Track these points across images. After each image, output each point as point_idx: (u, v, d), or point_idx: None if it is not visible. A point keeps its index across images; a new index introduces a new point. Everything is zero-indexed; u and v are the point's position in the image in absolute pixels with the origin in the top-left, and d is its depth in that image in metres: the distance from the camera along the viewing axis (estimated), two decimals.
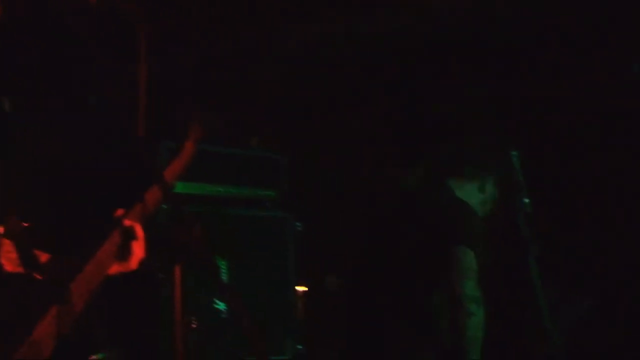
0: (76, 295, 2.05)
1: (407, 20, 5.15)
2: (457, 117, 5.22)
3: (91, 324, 4.03)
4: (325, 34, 5.20)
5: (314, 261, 5.35)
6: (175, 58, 4.92)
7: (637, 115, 5.05)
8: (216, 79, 5.34)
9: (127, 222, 2.29)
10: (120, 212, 2.33)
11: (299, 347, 4.98)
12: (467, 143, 4.55)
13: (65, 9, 2.23)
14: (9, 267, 2.16)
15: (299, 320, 5.07)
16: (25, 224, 2.15)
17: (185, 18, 4.76)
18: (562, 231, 5.09)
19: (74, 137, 3.43)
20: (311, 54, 5.41)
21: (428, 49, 5.21)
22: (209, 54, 5.18)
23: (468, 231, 3.99)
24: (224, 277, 4.77)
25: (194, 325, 4.37)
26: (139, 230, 2.32)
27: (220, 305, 4.39)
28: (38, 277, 2.14)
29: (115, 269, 2.30)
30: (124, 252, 2.29)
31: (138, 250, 2.32)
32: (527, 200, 4.05)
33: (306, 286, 5.18)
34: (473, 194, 4.22)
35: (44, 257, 2.27)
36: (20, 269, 2.15)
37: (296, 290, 5.12)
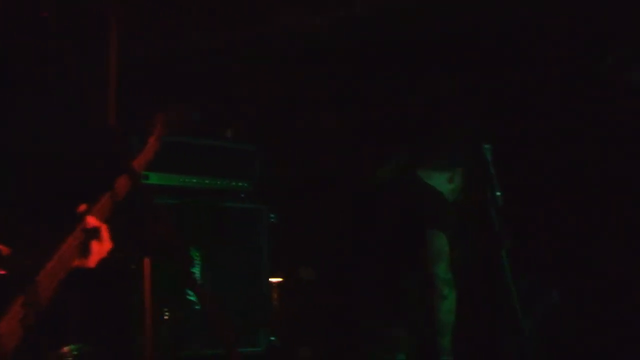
0: (41, 289, 2.04)
1: (380, 16, 5.15)
2: (430, 111, 5.23)
3: (63, 317, 4.02)
4: (301, 26, 5.19)
5: (288, 252, 5.35)
6: (146, 50, 4.89)
7: (608, 108, 5.08)
8: (190, 71, 5.33)
9: (92, 221, 2.29)
10: (83, 207, 2.32)
11: (273, 338, 4.98)
12: (439, 136, 4.59)
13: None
14: None
15: (273, 312, 5.08)
16: None
17: (157, 11, 4.74)
18: (532, 223, 5.12)
19: (42, 127, 3.41)
20: (287, 47, 5.40)
21: (400, 44, 5.22)
22: (182, 47, 5.16)
23: (439, 215, 4.04)
24: (198, 268, 4.78)
25: (166, 317, 4.38)
26: (104, 231, 2.32)
27: (193, 297, 4.39)
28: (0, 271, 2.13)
29: (75, 263, 2.29)
30: (85, 250, 2.29)
31: (99, 250, 2.32)
32: (498, 194, 4.08)
33: (280, 277, 5.19)
34: (442, 184, 4.27)
35: (4, 250, 2.25)
36: None
37: (270, 282, 5.12)
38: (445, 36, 5.16)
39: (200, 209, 4.86)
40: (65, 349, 3.71)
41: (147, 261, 2.47)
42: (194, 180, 4.92)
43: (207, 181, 4.97)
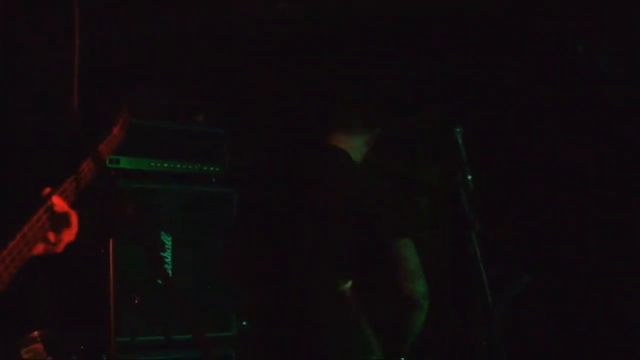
0: None
1: None
2: (402, 95, 5.23)
3: (32, 302, 3.99)
4: (272, 8, 5.17)
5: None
6: (115, 34, 4.85)
7: (581, 93, 5.10)
8: (159, 55, 5.29)
9: (57, 203, 2.27)
10: (47, 190, 2.31)
11: (244, 323, 4.98)
12: (409, 118, 4.58)
13: None
14: None
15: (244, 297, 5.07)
16: None
17: None
18: (503, 207, 5.14)
19: (6, 112, 3.37)
20: (257, 30, 5.38)
21: (371, 26, 5.20)
22: (151, 30, 5.12)
23: (406, 222, 3.98)
24: (169, 253, 4.76)
25: (136, 302, 4.36)
26: (71, 216, 2.31)
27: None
28: None
29: (41, 249, 2.28)
30: (54, 236, 2.28)
31: (67, 236, 2.31)
32: (470, 177, 4.08)
33: None
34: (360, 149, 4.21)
35: None
36: None
37: None
38: (419, 18, 5.15)
39: (170, 193, 4.84)
40: (35, 333, 3.69)
41: (112, 245, 2.46)
42: (165, 165, 4.90)
43: (178, 165, 4.95)
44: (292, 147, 4.67)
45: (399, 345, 3.88)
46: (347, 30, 5.20)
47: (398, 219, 4.07)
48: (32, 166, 3.48)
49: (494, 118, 5.25)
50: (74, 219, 2.32)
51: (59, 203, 2.28)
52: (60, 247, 2.33)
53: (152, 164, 4.85)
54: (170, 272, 4.69)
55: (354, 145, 4.18)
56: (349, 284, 3.84)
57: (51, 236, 2.28)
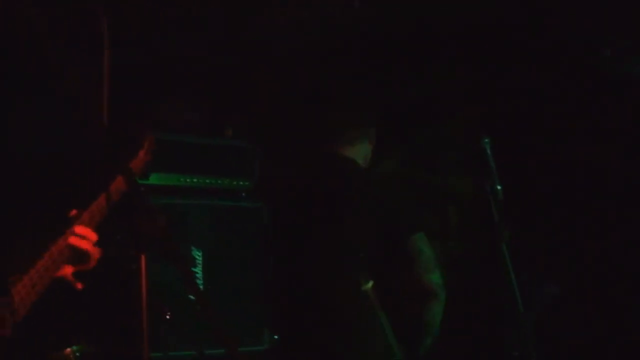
0: (18, 298, 2.04)
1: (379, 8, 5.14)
2: (430, 105, 5.23)
3: (65, 318, 4.02)
4: (298, 21, 5.19)
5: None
6: (143, 49, 4.89)
7: (611, 99, 5.07)
8: (188, 70, 5.32)
9: (79, 230, 2.30)
10: (74, 212, 2.33)
11: (276, 337, 4.98)
12: (439, 129, 4.58)
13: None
14: None
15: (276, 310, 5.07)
16: None
17: (153, 10, 4.73)
18: (533, 217, 5.12)
19: (36, 129, 3.41)
20: (282, 43, 5.40)
21: (400, 36, 5.21)
22: (178, 47, 5.16)
23: (418, 217, 4.02)
24: (199, 268, 4.77)
25: (168, 317, 4.37)
26: (92, 236, 2.33)
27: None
28: None
29: (71, 269, 2.31)
30: (79, 256, 2.31)
31: (92, 253, 2.33)
32: (499, 187, 4.07)
33: None
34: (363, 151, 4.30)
35: None
36: None
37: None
38: (446, 28, 5.15)
39: (200, 208, 4.86)
40: (68, 350, 3.71)
41: (144, 261, 2.47)
42: (194, 180, 4.92)
43: (207, 180, 4.97)
44: (310, 159, 4.71)
45: (420, 339, 3.88)
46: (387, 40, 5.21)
47: (411, 215, 4.09)
48: (60, 185, 3.51)
49: (523, 127, 5.23)
50: (93, 235, 2.33)
51: (81, 234, 2.29)
52: (90, 265, 2.35)
53: (181, 180, 4.87)
54: (201, 287, 4.71)
55: (359, 152, 4.34)
56: (370, 283, 3.87)
57: (80, 255, 2.30)
